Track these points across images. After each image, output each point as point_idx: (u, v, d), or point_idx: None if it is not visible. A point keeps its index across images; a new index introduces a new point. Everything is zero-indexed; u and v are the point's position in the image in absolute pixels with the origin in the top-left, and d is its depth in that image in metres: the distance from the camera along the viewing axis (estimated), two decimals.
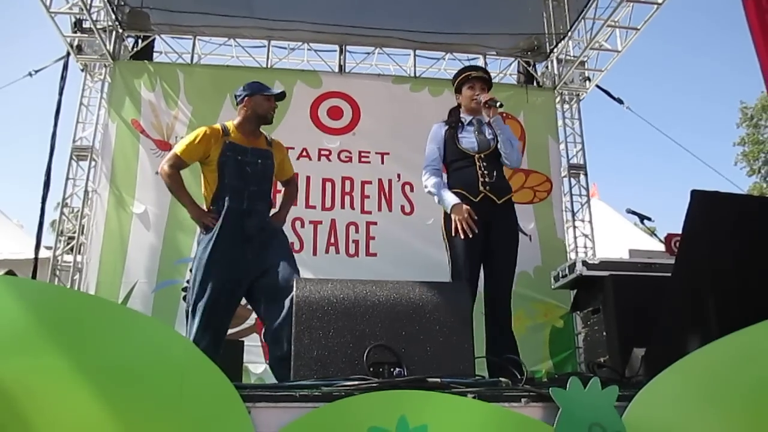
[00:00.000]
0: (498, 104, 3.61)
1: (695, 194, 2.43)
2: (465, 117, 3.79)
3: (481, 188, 3.56)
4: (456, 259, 3.53)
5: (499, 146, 3.66)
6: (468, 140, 3.68)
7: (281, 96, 3.71)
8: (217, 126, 3.63)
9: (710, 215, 2.43)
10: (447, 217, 3.61)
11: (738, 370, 1.95)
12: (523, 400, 1.89)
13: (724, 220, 2.42)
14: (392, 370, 2.16)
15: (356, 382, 1.91)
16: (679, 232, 2.57)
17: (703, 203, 2.42)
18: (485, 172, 3.59)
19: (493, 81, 3.96)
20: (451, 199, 3.55)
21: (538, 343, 6.22)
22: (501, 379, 2.17)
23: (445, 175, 3.76)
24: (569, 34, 7.11)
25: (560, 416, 1.82)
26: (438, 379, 1.97)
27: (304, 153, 6.50)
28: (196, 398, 1.67)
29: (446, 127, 3.78)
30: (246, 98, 3.64)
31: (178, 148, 3.59)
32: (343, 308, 2.27)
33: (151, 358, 1.69)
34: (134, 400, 1.62)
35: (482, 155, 3.63)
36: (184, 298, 5.87)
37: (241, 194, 3.45)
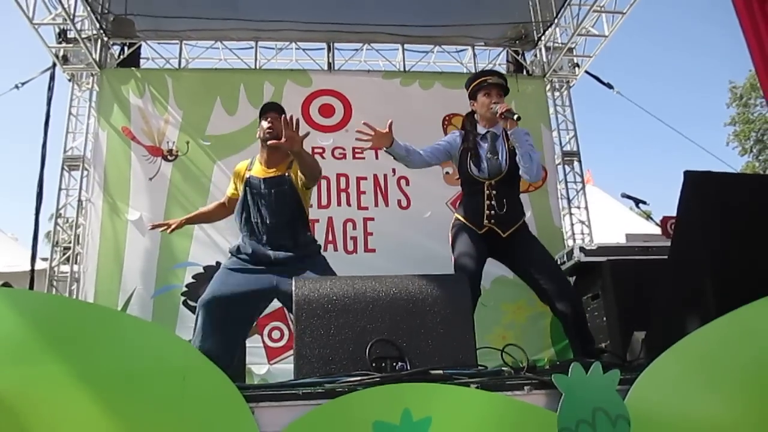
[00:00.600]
0: (515, 117, 3.32)
1: (688, 175, 2.43)
2: (480, 129, 3.56)
3: (486, 221, 3.39)
4: (454, 265, 3.45)
5: (517, 160, 3.39)
6: (479, 165, 3.45)
7: (273, 106, 3.56)
8: (246, 162, 3.59)
9: (704, 195, 2.43)
10: (452, 225, 3.56)
11: (737, 349, 1.97)
12: (525, 388, 1.90)
13: (718, 199, 2.43)
14: (395, 364, 2.16)
15: (359, 378, 1.91)
16: (675, 214, 2.58)
17: (696, 183, 2.43)
18: (493, 202, 3.38)
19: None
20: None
21: (539, 331, 6.23)
22: (503, 368, 2.18)
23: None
24: (556, 21, 7.11)
25: (563, 402, 1.83)
26: (440, 371, 1.97)
27: None
28: (199, 401, 1.67)
29: (462, 141, 3.56)
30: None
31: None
32: (343, 305, 2.27)
33: (151, 363, 1.69)
34: (136, 404, 1.63)
35: (493, 182, 3.41)
36: (184, 302, 5.92)
37: (260, 230, 3.38)
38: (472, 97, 3.63)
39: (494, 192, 3.40)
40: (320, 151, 6.52)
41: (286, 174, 3.40)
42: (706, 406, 1.88)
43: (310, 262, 3.36)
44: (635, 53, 48.97)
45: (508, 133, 3.41)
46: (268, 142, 3.33)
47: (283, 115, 3.12)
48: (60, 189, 6.44)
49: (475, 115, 3.62)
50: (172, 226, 3.74)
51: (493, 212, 3.38)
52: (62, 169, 6.47)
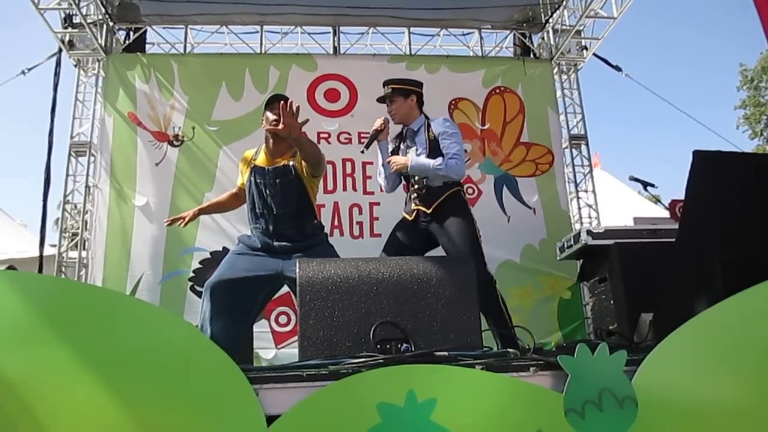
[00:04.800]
0: (366, 147, 3.81)
1: (697, 155, 2.40)
2: (404, 129, 3.89)
3: (413, 205, 3.72)
4: None
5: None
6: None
7: (280, 97, 3.31)
8: (252, 150, 3.56)
9: (713, 175, 2.41)
10: None
11: (746, 330, 1.95)
12: (531, 369, 1.89)
13: (727, 179, 2.40)
14: (399, 346, 2.15)
15: (363, 360, 1.91)
16: (683, 198, 2.55)
17: (705, 163, 2.40)
18: (416, 186, 3.72)
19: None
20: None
21: (546, 315, 6.23)
22: (509, 349, 2.17)
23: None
24: (564, 2, 7.02)
25: (569, 383, 1.82)
26: (445, 353, 1.96)
27: None
28: (203, 383, 1.67)
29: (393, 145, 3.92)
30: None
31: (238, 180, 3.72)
32: (347, 287, 2.26)
33: (155, 345, 1.69)
34: (140, 387, 1.63)
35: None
36: (192, 288, 5.94)
37: (267, 220, 3.36)
38: None
39: (415, 177, 3.73)
40: (326, 136, 6.51)
41: (291, 163, 3.36)
42: (714, 387, 1.87)
43: (317, 250, 3.35)
44: (644, 35, 48.48)
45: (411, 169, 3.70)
46: (266, 129, 3.31)
47: (282, 102, 3.07)
48: (67, 175, 6.45)
49: None
50: (186, 219, 3.70)
51: (414, 195, 3.72)
52: (69, 155, 6.48)
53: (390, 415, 1.68)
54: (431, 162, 3.61)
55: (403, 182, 3.91)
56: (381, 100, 3.86)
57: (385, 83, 3.91)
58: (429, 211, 3.63)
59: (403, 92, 3.80)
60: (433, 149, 3.65)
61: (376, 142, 3.82)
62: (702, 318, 1.96)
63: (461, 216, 3.61)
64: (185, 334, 1.76)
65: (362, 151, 3.83)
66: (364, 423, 1.67)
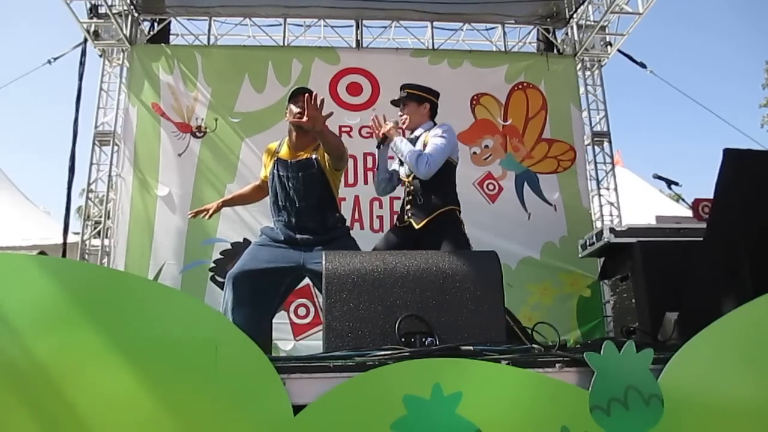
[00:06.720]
0: (381, 139, 3.66)
1: (727, 153, 2.38)
2: (407, 134, 3.70)
3: (406, 217, 3.54)
4: None
5: None
6: (402, 166, 3.65)
7: (303, 90, 3.30)
8: (276, 143, 3.56)
9: (743, 173, 2.38)
10: None
11: None
12: (557, 365, 1.89)
13: (757, 177, 2.37)
14: (424, 339, 2.16)
15: (390, 352, 1.91)
16: (706, 197, 2.53)
17: (735, 161, 2.38)
18: (410, 197, 3.55)
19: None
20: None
21: (565, 312, 6.20)
22: (534, 345, 2.17)
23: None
24: None
25: (595, 380, 1.81)
26: (471, 347, 1.97)
27: None
28: (231, 371, 1.69)
29: None
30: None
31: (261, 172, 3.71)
32: (372, 279, 2.26)
33: (184, 333, 1.71)
34: (170, 374, 1.65)
35: (410, 178, 3.57)
36: (212, 278, 5.99)
37: (289, 212, 3.35)
38: None
39: (411, 188, 3.55)
40: (347, 129, 6.51)
41: (314, 156, 3.35)
42: (741, 388, 1.85)
43: (338, 243, 3.34)
44: (668, 33, 47.86)
45: (390, 145, 3.60)
46: (290, 121, 3.32)
47: (306, 94, 3.08)
48: (91, 164, 6.54)
49: None
50: (210, 211, 3.70)
51: (409, 206, 3.54)
52: (93, 144, 6.56)
53: (416, 407, 1.69)
54: (409, 148, 3.44)
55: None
56: (395, 103, 3.72)
57: (402, 87, 3.76)
58: (418, 227, 3.45)
59: (417, 98, 3.63)
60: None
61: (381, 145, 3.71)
62: (730, 317, 1.94)
63: (452, 239, 3.40)
64: (214, 322, 1.77)
65: (378, 147, 3.72)
66: (390, 415, 1.68)
